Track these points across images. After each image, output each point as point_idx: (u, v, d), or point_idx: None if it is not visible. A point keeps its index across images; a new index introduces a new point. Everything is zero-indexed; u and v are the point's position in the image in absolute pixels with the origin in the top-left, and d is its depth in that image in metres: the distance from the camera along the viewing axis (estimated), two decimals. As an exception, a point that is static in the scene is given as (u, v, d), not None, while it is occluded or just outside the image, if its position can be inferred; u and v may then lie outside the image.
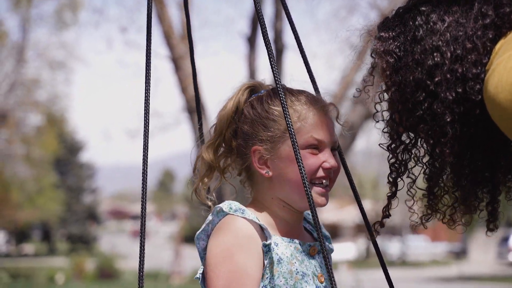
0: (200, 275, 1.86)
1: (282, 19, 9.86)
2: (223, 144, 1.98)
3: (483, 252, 37.90)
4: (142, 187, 1.85)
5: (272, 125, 1.89)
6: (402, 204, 1.99)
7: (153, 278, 26.42)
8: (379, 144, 1.92)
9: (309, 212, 1.93)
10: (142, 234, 1.81)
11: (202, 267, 1.86)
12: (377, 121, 1.95)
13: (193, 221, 49.93)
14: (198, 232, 1.88)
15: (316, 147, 1.88)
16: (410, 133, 1.84)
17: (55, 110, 21.40)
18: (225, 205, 1.83)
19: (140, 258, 1.77)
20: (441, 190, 1.86)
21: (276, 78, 1.81)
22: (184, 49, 9.71)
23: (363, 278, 21.18)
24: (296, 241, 1.88)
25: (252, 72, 10.42)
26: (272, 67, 1.78)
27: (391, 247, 40.05)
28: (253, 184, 1.94)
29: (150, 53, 1.94)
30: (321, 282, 1.86)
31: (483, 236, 37.15)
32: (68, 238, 45.22)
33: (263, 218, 1.87)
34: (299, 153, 1.74)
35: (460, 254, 39.64)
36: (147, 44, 1.89)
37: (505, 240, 34.12)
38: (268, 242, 1.81)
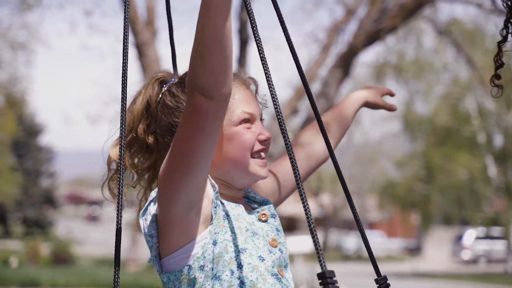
0: (154, 257, 1.83)
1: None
2: (136, 142, 1.92)
3: (437, 249, 38.43)
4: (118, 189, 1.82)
5: None
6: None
7: (109, 265, 26.26)
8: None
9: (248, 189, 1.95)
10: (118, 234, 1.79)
11: (155, 250, 1.82)
12: None
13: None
14: (141, 211, 1.84)
15: (248, 121, 1.86)
16: None
17: (15, 92, 21.10)
18: None
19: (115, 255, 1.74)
20: None
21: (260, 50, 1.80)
22: (148, 35, 9.65)
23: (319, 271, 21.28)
24: (241, 206, 1.86)
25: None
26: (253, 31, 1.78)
27: (348, 242, 40.37)
28: None
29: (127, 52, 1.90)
30: (274, 246, 1.84)
31: (438, 234, 37.65)
32: (24, 221, 44.70)
33: None
34: (287, 135, 1.68)
35: (415, 251, 40.12)
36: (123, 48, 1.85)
37: (459, 238, 34.61)
38: (216, 193, 1.78)
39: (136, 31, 9.62)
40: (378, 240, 40.87)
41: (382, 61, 17.99)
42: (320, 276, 1.51)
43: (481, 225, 32.10)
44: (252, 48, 10.24)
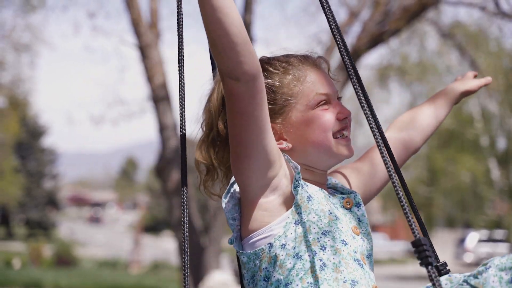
0: (234, 239, 1.81)
1: (252, 12, 9.85)
2: (218, 139, 1.89)
3: (440, 252, 37.92)
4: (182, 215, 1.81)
5: (274, 97, 1.84)
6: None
7: (112, 266, 26.28)
8: None
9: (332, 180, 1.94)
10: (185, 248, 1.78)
11: (236, 232, 1.81)
12: None
13: (154, 211, 49.70)
14: (223, 194, 1.83)
15: (325, 102, 1.85)
16: None
17: (18, 93, 21.12)
18: None
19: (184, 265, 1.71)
20: None
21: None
22: (151, 37, 9.65)
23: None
24: (325, 191, 1.85)
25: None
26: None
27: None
28: None
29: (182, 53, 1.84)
30: (357, 234, 1.82)
31: (441, 236, 37.61)
32: (27, 223, 44.72)
33: None
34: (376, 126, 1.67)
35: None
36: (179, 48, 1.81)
37: (462, 241, 34.56)
38: (297, 173, 1.77)
39: (139, 33, 9.63)
40: (381, 243, 40.85)
41: (385, 63, 17.99)
42: (415, 244, 1.48)
43: (484, 228, 32.08)
44: (256, 50, 10.22)
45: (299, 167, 1.78)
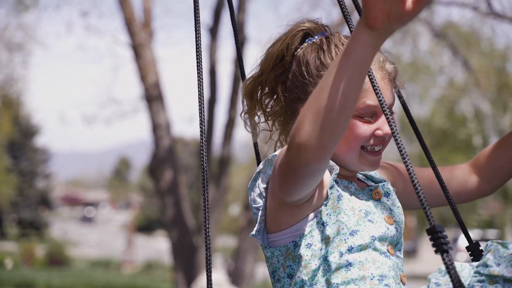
0: (257, 232, 1.74)
1: (245, 12, 9.85)
2: (266, 85, 1.82)
3: (433, 251, 38.31)
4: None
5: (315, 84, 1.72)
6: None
7: (104, 266, 26.24)
8: None
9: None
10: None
11: (259, 224, 1.74)
12: None
13: (147, 211, 49.63)
14: (249, 183, 1.75)
15: (371, 114, 1.71)
16: None
17: (11, 93, 21.06)
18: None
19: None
20: None
21: None
22: (144, 36, 9.64)
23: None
24: (354, 183, 1.77)
25: (212, 63, 10.40)
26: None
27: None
28: None
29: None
30: (391, 224, 1.74)
31: (434, 236, 37.68)
32: (19, 223, 44.59)
33: None
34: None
35: (411, 253, 40.12)
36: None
37: (454, 240, 34.62)
38: (334, 174, 1.69)
39: (132, 32, 9.62)
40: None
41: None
42: (430, 231, 1.44)
43: (476, 228, 32.13)
44: (249, 50, 10.22)
45: (337, 168, 1.69)
